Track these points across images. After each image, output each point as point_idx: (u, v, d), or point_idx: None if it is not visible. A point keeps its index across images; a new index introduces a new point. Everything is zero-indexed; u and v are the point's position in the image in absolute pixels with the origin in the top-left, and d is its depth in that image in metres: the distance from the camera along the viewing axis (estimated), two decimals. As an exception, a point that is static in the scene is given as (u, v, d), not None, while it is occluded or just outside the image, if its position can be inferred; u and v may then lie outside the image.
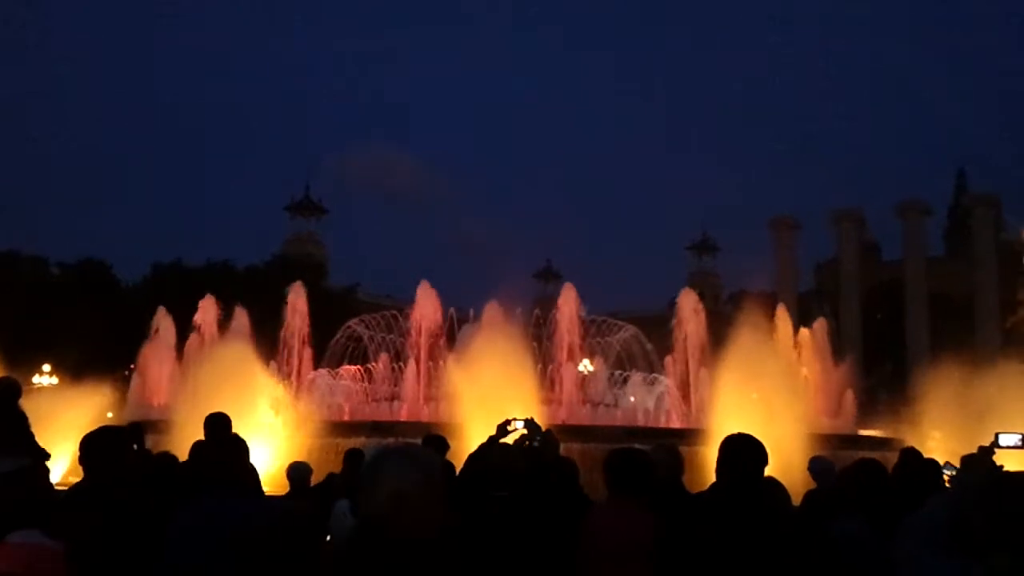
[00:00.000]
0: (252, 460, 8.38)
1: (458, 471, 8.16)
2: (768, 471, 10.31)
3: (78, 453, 5.52)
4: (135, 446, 7.49)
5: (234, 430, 8.32)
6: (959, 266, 69.92)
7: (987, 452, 7.20)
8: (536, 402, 19.92)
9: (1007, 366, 39.33)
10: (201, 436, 8.25)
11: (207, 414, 8.37)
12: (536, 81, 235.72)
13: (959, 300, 67.47)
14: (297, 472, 9.86)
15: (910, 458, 9.00)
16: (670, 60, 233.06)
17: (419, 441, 9.31)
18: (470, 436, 14.77)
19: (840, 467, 9.53)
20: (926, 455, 9.22)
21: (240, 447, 5.64)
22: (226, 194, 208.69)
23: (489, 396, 17.33)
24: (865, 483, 7.26)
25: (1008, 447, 7.03)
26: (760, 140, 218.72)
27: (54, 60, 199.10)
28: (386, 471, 2.96)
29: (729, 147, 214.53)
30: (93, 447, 5.41)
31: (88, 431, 5.55)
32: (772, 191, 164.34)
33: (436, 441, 9.33)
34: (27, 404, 8.59)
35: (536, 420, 7.96)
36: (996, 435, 7.26)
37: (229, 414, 8.27)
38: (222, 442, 7.61)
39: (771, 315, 28.88)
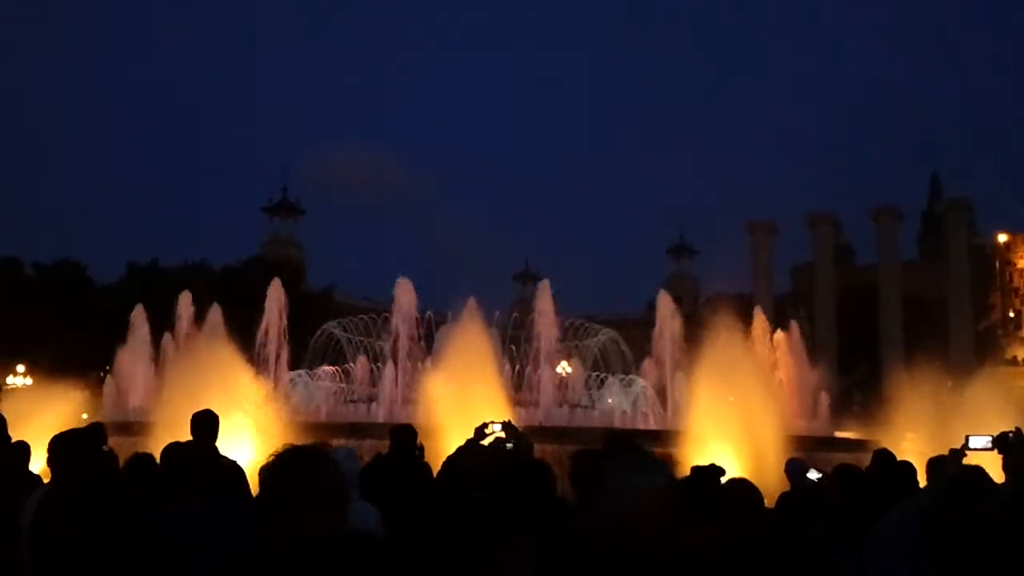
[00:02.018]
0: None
1: (436, 473, 8.15)
2: (744, 472, 10.39)
3: (47, 456, 5.50)
4: (101, 447, 7.38)
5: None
6: (932, 270, 70.65)
7: (957, 455, 7.23)
8: (512, 404, 19.97)
9: (980, 368, 39.80)
10: (178, 437, 8.18)
11: (194, 412, 8.29)
12: (513, 82, 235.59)
13: (932, 303, 68.19)
14: None
15: (884, 460, 9.09)
16: (648, 63, 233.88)
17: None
18: (447, 438, 14.78)
19: (816, 469, 9.63)
20: (900, 456, 9.31)
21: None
22: (203, 195, 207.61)
23: (466, 398, 17.35)
24: (845, 488, 7.29)
25: (978, 449, 7.04)
26: (737, 145, 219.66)
27: (33, 63, 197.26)
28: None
29: (707, 151, 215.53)
30: (60, 449, 5.39)
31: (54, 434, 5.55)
32: (749, 195, 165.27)
33: (403, 431, 9.13)
34: (1, 406, 8.52)
35: (512, 422, 7.98)
36: (967, 438, 7.26)
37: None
38: (205, 442, 7.57)
39: (747, 318, 29.05)
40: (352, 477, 6.60)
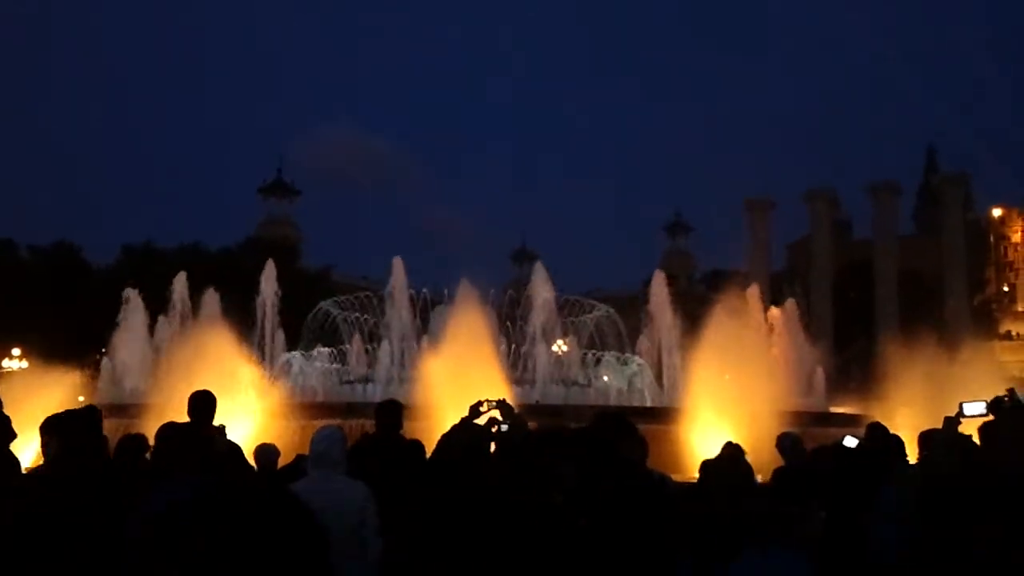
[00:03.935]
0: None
1: (430, 452, 8.12)
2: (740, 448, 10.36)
3: (40, 436, 5.48)
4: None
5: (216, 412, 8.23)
6: (928, 244, 70.67)
7: (952, 422, 7.19)
8: (508, 382, 19.99)
9: (975, 342, 39.88)
10: (175, 418, 8.16)
11: (192, 392, 8.27)
12: (511, 62, 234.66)
13: (928, 278, 68.26)
14: (264, 454, 9.79)
15: (877, 433, 9.13)
16: (646, 41, 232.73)
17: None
18: (443, 417, 14.78)
19: (811, 445, 9.66)
20: (894, 431, 9.35)
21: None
22: (199, 176, 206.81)
23: (461, 377, 17.36)
24: (839, 463, 7.29)
25: (973, 416, 7.01)
26: (734, 121, 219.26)
27: (28, 48, 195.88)
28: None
29: (704, 128, 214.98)
30: (55, 429, 5.39)
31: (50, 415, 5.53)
32: (746, 171, 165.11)
33: (387, 406, 8.91)
34: (-4, 389, 8.50)
35: (508, 400, 7.98)
36: (960, 404, 7.21)
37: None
38: (202, 423, 7.54)
39: (744, 294, 29.05)
40: (339, 455, 6.62)
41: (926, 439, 7.44)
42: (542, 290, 25.99)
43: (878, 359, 33.22)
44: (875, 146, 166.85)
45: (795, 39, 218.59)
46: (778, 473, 8.35)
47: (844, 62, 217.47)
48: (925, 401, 22.41)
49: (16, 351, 41.38)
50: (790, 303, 32.23)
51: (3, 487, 5.31)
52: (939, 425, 7.98)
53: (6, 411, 8.10)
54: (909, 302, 64.03)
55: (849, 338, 61.27)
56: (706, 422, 18.40)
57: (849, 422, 21.99)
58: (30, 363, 38.19)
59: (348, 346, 28.79)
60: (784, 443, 8.96)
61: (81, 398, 21.91)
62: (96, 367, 29.65)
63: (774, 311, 30.86)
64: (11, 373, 35.78)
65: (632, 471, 5.39)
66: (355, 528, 6.14)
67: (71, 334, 42.39)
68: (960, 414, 7.25)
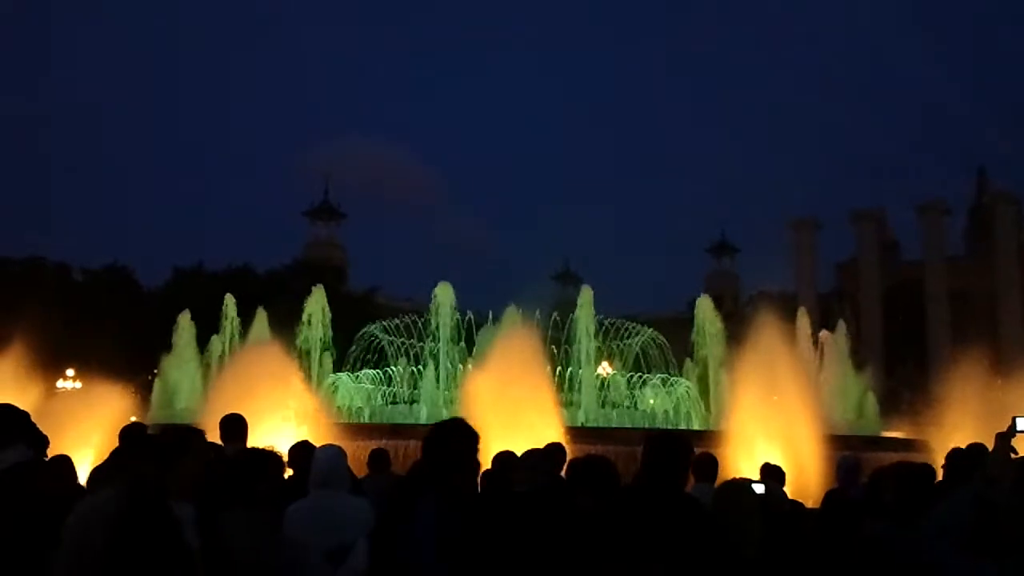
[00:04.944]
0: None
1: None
2: (788, 472, 10.23)
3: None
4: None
5: (263, 432, 8.36)
6: (979, 265, 69.60)
7: (1005, 439, 7.02)
8: (554, 405, 19.94)
9: (1030, 366, 38.91)
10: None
11: (222, 416, 8.40)
12: (553, 83, 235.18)
13: (980, 299, 67.17)
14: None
15: (955, 459, 8.92)
16: (688, 59, 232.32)
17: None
18: (488, 439, 14.75)
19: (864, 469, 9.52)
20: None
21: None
22: (248, 199, 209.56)
23: (508, 398, 17.32)
24: (903, 486, 7.16)
25: None
26: (779, 140, 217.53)
27: (69, 68, 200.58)
28: None
29: (748, 147, 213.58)
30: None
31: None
32: (791, 191, 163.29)
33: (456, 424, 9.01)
34: (50, 408, 8.68)
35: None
36: (1013, 419, 7.05)
37: (258, 416, 8.31)
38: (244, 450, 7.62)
39: (791, 316, 28.77)
40: (343, 474, 6.77)
41: (979, 454, 7.29)
42: (588, 314, 25.95)
43: (930, 382, 32.64)
44: (923, 169, 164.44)
45: (841, 61, 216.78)
46: (829, 496, 8.26)
47: (894, 85, 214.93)
48: (979, 425, 21.96)
49: (70, 372, 42.12)
50: (840, 326, 31.86)
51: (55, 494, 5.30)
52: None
53: (61, 429, 8.28)
54: (961, 324, 63.04)
55: (898, 360, 60.40)
56: (754, 445, 18.17)
57: (902, 446, 21.62)
58: (83, 383, 38.82)
59: (393, 368, 28.94)
60: (841, 465, 8.85)
61: (133, 418, 22.21)
62: (148, 387, 30.15)
63: (824, 333, 30.54)
64: (65, 393, 36.40)
65: (678, 494, 5.37)
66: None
67: (124, 355, 43.09)
68: (1013, 429, 7.08)
